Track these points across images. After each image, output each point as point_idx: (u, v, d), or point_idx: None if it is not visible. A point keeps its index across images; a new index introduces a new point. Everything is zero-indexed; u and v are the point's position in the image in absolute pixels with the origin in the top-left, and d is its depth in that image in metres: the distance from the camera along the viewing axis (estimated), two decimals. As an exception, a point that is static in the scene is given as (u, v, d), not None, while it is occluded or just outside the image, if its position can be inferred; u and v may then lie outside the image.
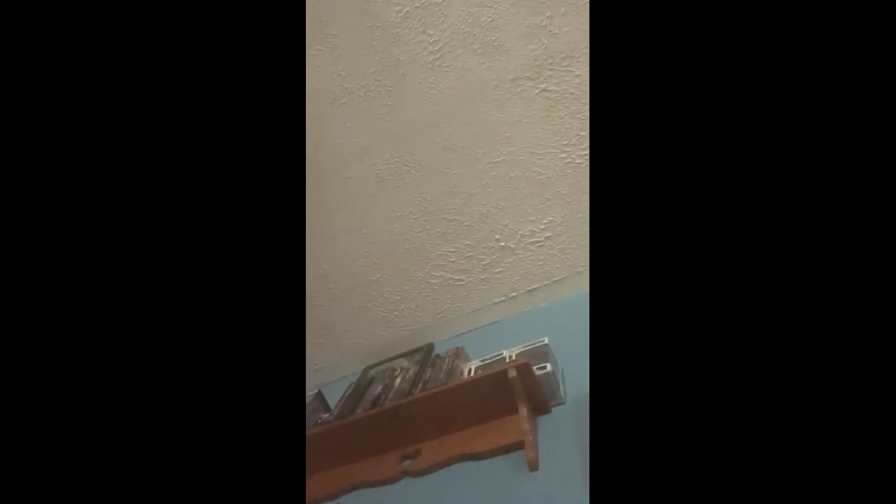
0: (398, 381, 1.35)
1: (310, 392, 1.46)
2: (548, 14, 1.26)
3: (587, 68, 1.30)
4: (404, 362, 1.48)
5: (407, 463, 1.17)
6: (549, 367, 1.09)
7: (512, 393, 1.06)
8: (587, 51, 1.28)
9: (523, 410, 1.05)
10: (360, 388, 1.40)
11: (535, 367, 1.08)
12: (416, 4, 1.30)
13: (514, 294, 1.61)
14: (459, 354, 1.33)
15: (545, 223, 1.49)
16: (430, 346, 1.55)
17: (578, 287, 1.53)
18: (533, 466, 0.98)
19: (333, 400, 1.42)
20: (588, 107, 1.33)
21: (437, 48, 1.34)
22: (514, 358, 1.12)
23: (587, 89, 1.32)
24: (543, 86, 1.33)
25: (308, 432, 1.25)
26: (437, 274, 1.62)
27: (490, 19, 1.29)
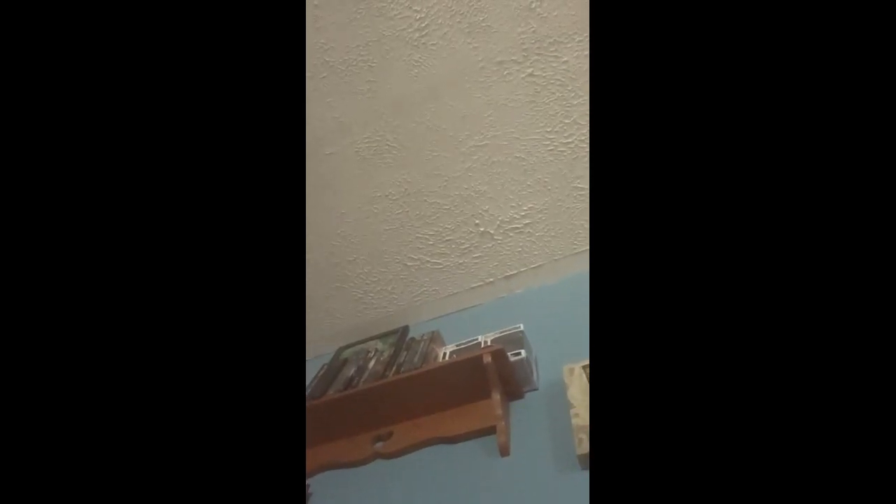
0: (372, 363, 1.34)
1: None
2: (538, -4, 1.24)
3: (575, 55, 1.28)
4: (378, 344, 1.47)
5: (379, 445, 1.17)
6: (523, 353, 1.09)
7: (486, 378, 1.07)
8: (576, 36, 1.27)
9: (496, 396, 1.06)
10: (333, 369, 1.39)
11: (509, 353, 1.08)
12: (404, -22, 1.26)
13: (491, 279, 1.61)
14: (435, 338, 1.33)
15: (525, 210, 1.48)
16: (406, 329, 1.54)
17: (555, 274, 1.54)
18: (504, 451, 0.99)
19: (306, 380, 1.40)
20: (573, 94, 1.32)
21: (423, 25, 1.30)
22: (489, 343, 1.12)
23: (573, 76, 1.31)
24: (530, 70, 1.31)
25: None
26: (415, 256, 1.61)
27: (479, -2, 1.26)
